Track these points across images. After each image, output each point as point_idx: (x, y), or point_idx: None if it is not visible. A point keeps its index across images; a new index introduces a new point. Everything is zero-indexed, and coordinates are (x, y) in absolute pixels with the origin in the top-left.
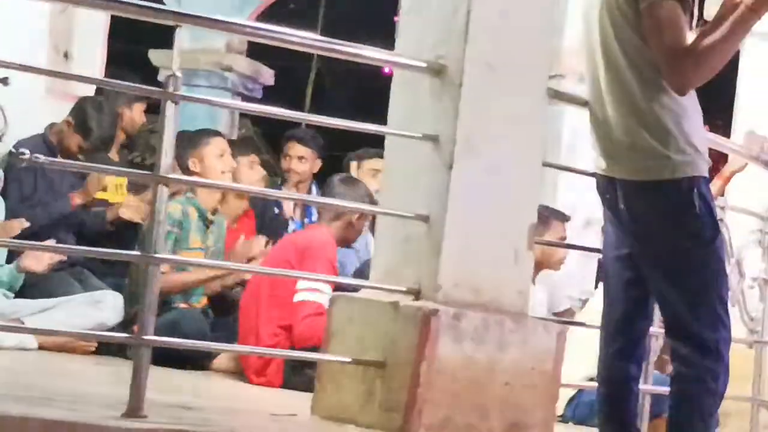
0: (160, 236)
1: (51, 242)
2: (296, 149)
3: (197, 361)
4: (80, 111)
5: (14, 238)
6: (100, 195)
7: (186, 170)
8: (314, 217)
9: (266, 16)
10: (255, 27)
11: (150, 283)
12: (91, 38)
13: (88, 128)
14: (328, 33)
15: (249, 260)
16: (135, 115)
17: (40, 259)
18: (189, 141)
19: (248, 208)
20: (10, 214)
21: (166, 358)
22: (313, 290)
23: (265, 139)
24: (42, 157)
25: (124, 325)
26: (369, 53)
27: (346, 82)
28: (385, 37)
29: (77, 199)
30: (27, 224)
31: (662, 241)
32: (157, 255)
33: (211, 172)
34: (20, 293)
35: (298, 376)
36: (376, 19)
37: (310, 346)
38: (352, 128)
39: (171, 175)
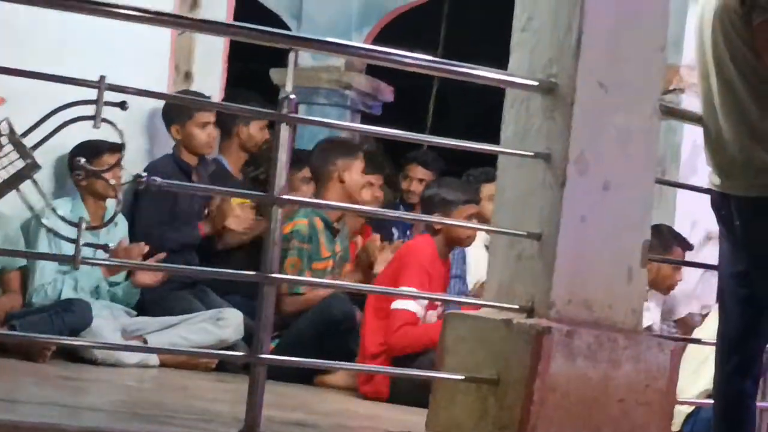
0: (276, 256)
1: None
2: (417, 171)
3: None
4: None
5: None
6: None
7: (327, 178)
8: None
9: (386, 33)
10: (368, 49)
11: (265, 302)
12: (211, 58)
13: None
14: (450, 47)
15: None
16: (253, 131)
17: (151, 272)
18: (339, 151)
19: (365, 223)
20: (143, 236)
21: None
22: (406, 297)
23: (389, 155)
24: (159, 180)
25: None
26: (481, 73)
27: (469, 98)
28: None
29: (205, 229)
30: (146, 249)
31: None
32: (272, 275)
33: (356, 186)
34: (143, 310)
35: (404, 383)
36: (500, 32)
37: (406, 355)
38: (464, 147)
39: (286, 197)
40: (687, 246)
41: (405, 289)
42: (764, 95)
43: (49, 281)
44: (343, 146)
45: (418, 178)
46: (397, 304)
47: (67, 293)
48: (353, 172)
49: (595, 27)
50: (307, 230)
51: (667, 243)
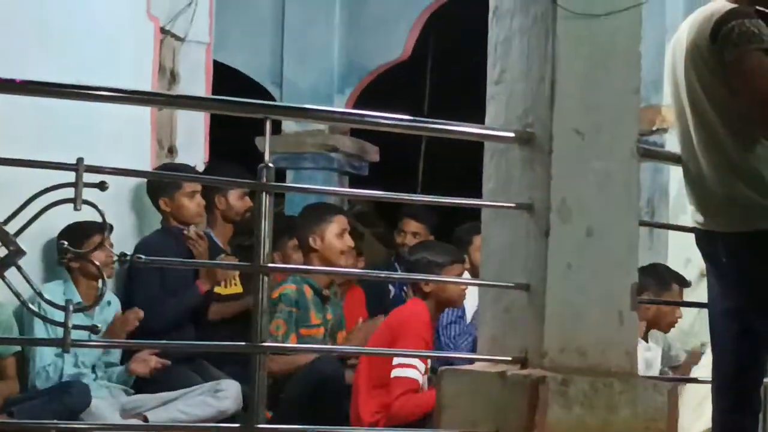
0: (266, 325)
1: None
2: (411, 225)
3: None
4: None
5: (134, 333)
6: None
7: (306, 246)
8: None
9: (369, 92)
10: (344, 113)
11: (258, 372)
12: (193, 131)
13: None
14: (436, 101)
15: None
16: (232, 201)
17: (146, 363)
18: (312, 217)
19: (355, 282)
20: (143, 309)
21: None
22: (407, 366)
23: (380, 212)
24: (144, 257)
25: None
26: (458, 128)
27: (460, 149)
28: None
29: (204, 286)
30: (141, 314)
31: (767, 291)
32: (262, 344)
33: (330, 251)
34: (141, 388)
35: None
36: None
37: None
38: (446, 203)
39: (271, 265)
40: (684, 283)
41: (397, 350)
42: (741, 130)
43: (49, 363)
44: (318, 211)
45: (411, 231)
46: (398, 372)
47: (69, 371)
48: (327, 236)
49: (568, 74)
50: (295, 295)
51: (663, 281)
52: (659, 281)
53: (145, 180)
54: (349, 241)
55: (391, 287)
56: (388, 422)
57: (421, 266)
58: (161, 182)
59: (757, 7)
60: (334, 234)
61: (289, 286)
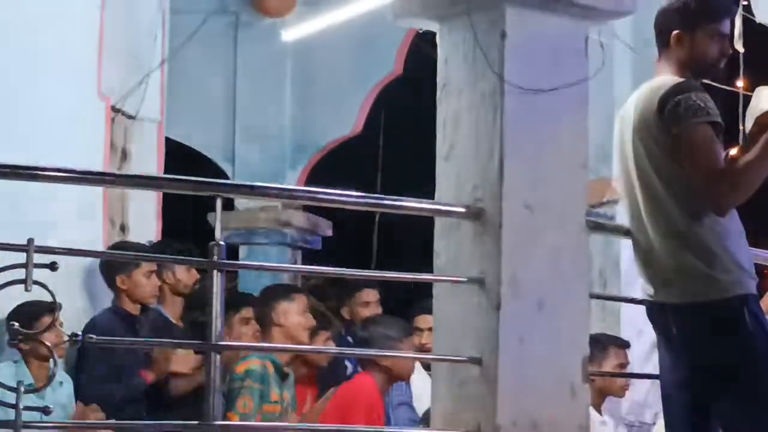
0: (218, 404)
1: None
2: (361, 294)
3: None
4: None
5: None
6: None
7: (269, 323)
8: None
9: (322, 168)
10: (292, 190)
11: None
12: (145, 208)
13: None
14: (389, 175)
15: None
16: (180, 276)
17: None
18: (276, 294)
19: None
20: (89, 392)
21: None
22: None
23: (334, 286)
24: (95, 337)
25: None
26: (409, 204)
27: (414, 222)
28: None
29: (150, 377)
30: (101, 414)
31: (718, 361)
32: (214, 423)
33: (295, 328)
34: None
35: None
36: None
37: None
38: (397, 279)
39: (224, 343)
40: (622, 343)
41: (351, 428)
42: (688, 202)
43: None
44: (281, 289)
45: (363, 301)
46: None
47: None
48: (291, 314)
49: (517, 150)
50: (261, 370)
51: (602, 347)
52: (598, 349)
53: (97, 261)
54: (311, 320)
55: (348, 363)
56: None
57: (374, 340)
58: (118, 260)
59: (704, 81)
60: (298, 312)
61: (254, 361)
